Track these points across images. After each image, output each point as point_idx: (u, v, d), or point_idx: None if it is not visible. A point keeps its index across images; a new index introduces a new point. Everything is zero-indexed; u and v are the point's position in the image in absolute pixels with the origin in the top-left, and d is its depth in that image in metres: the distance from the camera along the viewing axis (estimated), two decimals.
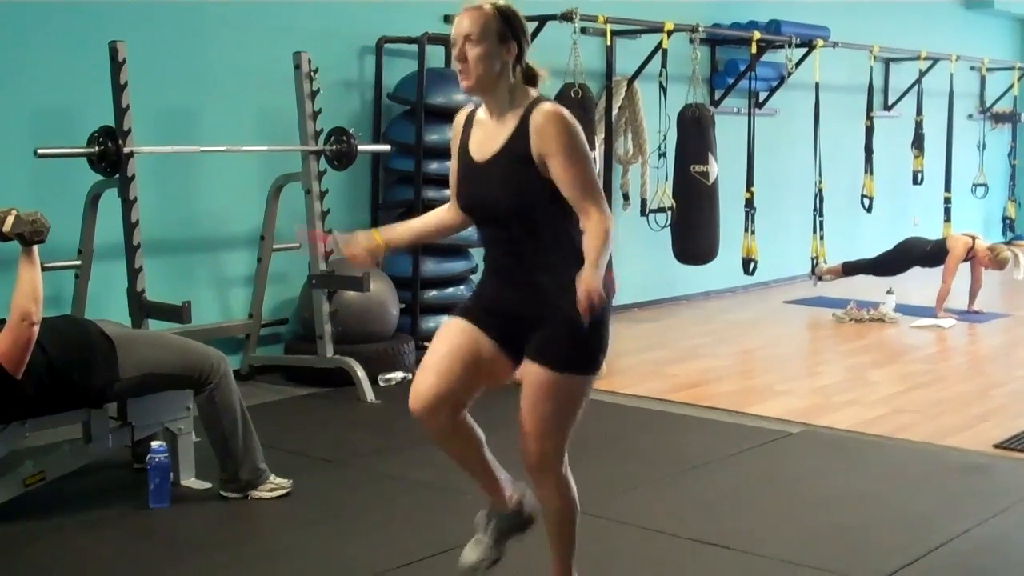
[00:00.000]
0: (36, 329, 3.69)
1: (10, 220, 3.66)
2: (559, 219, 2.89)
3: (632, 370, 6.46)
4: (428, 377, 2.92)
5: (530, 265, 2.92)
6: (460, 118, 3.07)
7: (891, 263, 8.54)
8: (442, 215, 3.18)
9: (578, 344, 2.89)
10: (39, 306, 3.68)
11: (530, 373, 2.92)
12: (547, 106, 2.88)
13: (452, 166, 3.07)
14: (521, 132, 2.87)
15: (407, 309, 6.50)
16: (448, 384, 2.90)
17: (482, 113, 2.99)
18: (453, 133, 3.07)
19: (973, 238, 8.27)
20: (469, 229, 3.19)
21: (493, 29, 2.87)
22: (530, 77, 2.96)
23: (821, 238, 8.82)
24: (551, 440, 2.95)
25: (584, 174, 2.86)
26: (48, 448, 4.22)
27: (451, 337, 2.96)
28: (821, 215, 8.84)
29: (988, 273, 8.35)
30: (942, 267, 8.20)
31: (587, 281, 2.73)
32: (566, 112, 2.89)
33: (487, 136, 2.94)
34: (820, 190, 8.84)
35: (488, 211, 2.96)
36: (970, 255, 8.20)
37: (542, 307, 2.90)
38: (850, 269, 8.72)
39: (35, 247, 3.73)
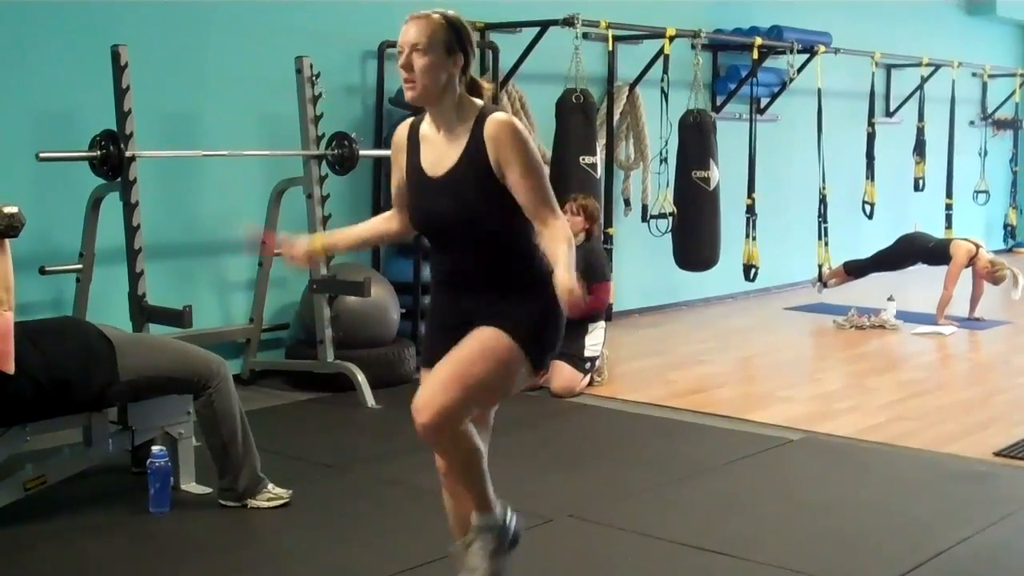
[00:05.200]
0: (11, 315, 3.72)
1: None
2: (516, 227, 2.91)
3: (632, 376, 6.46)
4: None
5: (488, 274, 2.94)
6: (402, 132, 3.04)
7: (893, 257, 8.53)
8: (388, 223, 3.21)
9: (529, 324, 2.91)
10: (11, 294, 3.73)
11: (473, 332, 2.90)
12: (499, 116, 2.89)
13: (395, 179, 3.07)
14: (476, 144, 2.87)
15: (408, 314, 6.50)
16: None
17: (427, 127, 2.97)
18: (395, 147, 3.05)
19: (977, 246, 8.26)
20: None
21: (440, 39, 2.85)
22: (474, 89, 2.95)
23: (826, 244, 8.81)
24: (457, 397, 2.82)
25: (541, 183, 2.89)
26: (48, 452, 4.22)
27: None
28: (825, 221, 8.83)
29: None
30: (943, 271, 8.19)
31: (564, 282, 2.76)
32: (518, 122, 2.91)
33: (439, 151, 2.93)
34: (824, 196, 8.83)
35: (446, 225, 2.95)
36: (971, 262, 8.20)
37: (498, 306, 2.91)
38: (852, 268, 8.71)
39: (6, 240, 3.78)
